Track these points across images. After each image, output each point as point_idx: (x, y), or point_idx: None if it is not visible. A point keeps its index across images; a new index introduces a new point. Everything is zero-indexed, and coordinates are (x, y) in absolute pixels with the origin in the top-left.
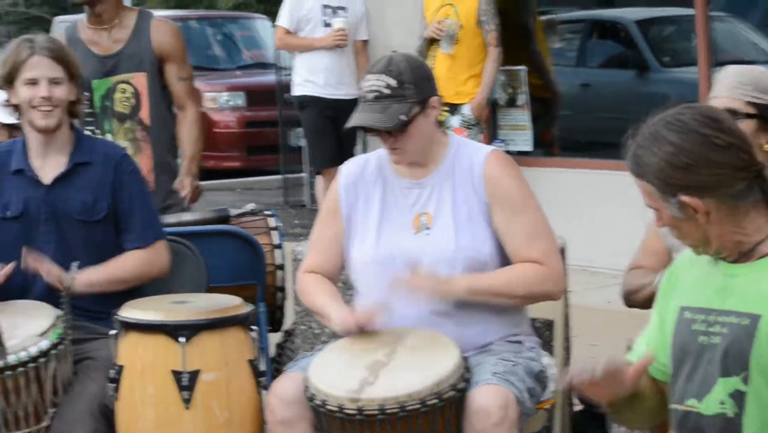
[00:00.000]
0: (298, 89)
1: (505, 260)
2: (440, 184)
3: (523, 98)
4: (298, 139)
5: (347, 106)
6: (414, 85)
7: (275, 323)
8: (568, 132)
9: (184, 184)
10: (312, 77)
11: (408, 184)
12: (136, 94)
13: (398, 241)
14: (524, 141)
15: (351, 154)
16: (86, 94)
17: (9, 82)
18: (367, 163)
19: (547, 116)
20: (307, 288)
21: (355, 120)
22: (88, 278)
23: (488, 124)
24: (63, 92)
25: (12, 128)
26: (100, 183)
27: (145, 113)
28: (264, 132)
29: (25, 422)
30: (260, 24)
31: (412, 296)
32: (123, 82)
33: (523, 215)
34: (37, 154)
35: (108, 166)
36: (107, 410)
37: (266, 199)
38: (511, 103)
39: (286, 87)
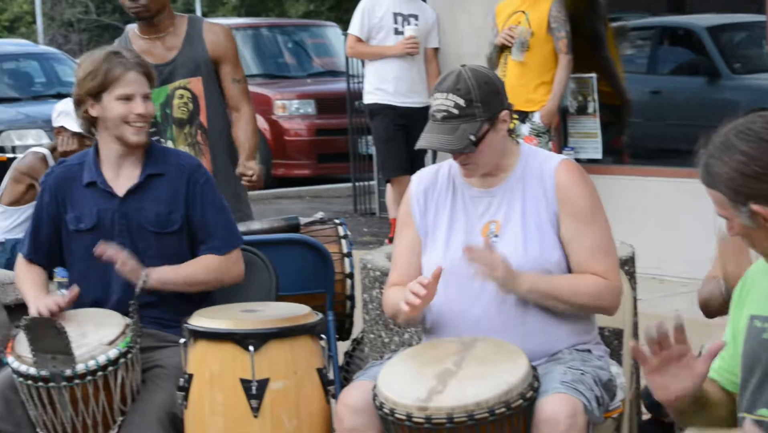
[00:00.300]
0: (368, 97)
1: (570, 270)
2: (510, 193)
3: (593, 106)
4: (368, 147)
5: (418, 114)
6: (482, 102)
7: (344, 332)
8: (638, 139)
9: (248, 167)
10: (382, 85)
11: (478, 193)
12: (194, 99)
13: None
14: (594, 149)
15: (421, 163)
16: None
17: (95, 95)
18: (439, 171)
19: (617, 124)
20: (387, 299)
21: (423, 141)
22: (162, 274)
23: (558, 132)
24: (152, 107)
25: (82, 137)
26: (173, 194)
27: (203, 117)
28: (334, 140)
29: (94, 430)
30: (331, 32)
31: (482, 299)
32: (180, 88)
33: (591, 228)
34: (110, 166)
35: (181, 177)
36: (176, 419)
37: (336, 208)
38: (582, 110)
39: (357, 95)
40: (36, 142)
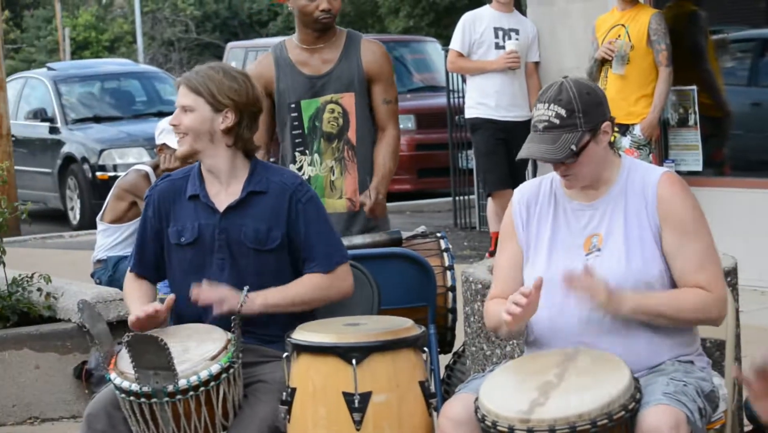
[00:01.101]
0: (469, 112)
1: (672, 283)
2: (612, 206)
3: (693, 118)
4: (468, 161)
5: (519, 128)
6: (584, 113)
7: (445, 345)
8: (739, 151)
9: (366, 199)
10: (484, 100)
11: (580, 207)
12: (345, 114)
13: (569, 262)
14: (695, 161)
15: (522, 177)
16: (294, 114)
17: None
18: (542, 185)
19: (717, 136)
20: (488, 311)
21: (525, 152)
22: (264, 297)
23: (659, 145)
24: (193, 120)
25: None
26: (274, 212)
27: (352, 133)
28: (434, 155)
29: None
30: (431, 47)
31: (584, 311)
32: (332, 102)
33: (694, 240)
34: (213, 181)
35: (283, 195)
36: None
37: (436, 222)
38: (682, 123)
39: (457, 110)
40: (137, 160)
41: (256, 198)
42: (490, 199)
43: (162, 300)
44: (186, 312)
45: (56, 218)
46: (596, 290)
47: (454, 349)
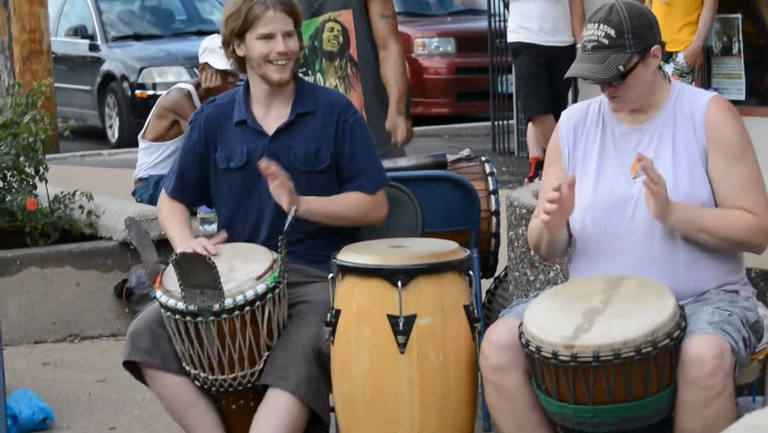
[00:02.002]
0: (512, 36)
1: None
2: (660, 130)
3: (737, 46)
4: (508, 86)
5: (561, 53)
6: (634, 35)
7: (488, 269)
8: None
9: (397, 126)
10: (526, 24)
11: (628, 130)
12: (344, 32)
13: (616, 185)
14: (738, 90)
15: (564, 102)
16: None
17: (239, 35)
18: (590, 108)
19: (761, 64)
20: (532, 230)
21: (573, 70)
22: (309, 204)
23: (702, 73)
24: (295, 44)
25: (226, 74)
26: (323, 132)
27: (353, 50)
28: (473, 78)
29: (240, 365)
30: None
31: (631, 237)
32: (330, 20)
33: (740, 164)
34: (260, 105)
35: (331, 115)
36: (321, 354)
37: (474, 146)
38: (726, 51)
39: (498, 34)
40: (177, 79)
41: (305, 119)
42: (530, 124)
43: (203, 220)
44: (233, 236)
45: (95, 136)
46: (660, 180)
47: (495, 274)
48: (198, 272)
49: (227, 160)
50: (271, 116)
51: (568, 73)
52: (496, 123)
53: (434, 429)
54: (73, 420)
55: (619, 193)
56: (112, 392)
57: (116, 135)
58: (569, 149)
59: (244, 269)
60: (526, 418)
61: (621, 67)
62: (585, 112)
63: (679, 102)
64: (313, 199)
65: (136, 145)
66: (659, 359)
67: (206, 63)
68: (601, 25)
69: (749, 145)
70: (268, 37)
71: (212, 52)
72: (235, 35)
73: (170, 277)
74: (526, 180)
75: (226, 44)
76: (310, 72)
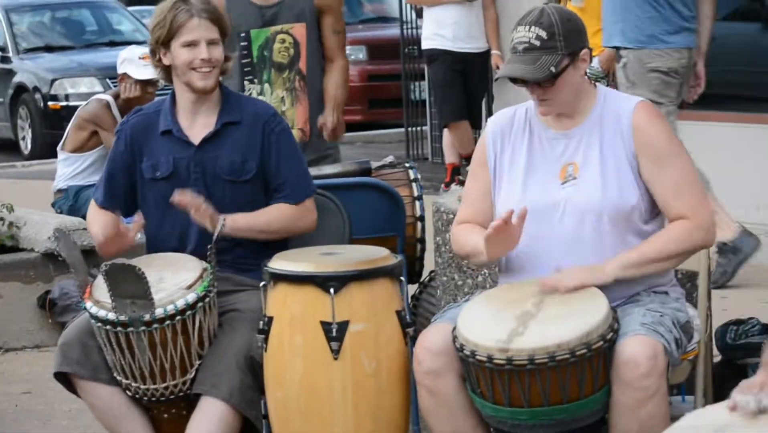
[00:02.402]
0: (426, 43)
1: (653, 211)
2: (588, 135)
3: None
4: (420, 92)
5: (476, 59)
6: (564, 37)
7: (414, 275)
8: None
9: (326, 120)
10: (441, 31)
11: (555, 135)
12: (296, 45)
13: (544, 191)
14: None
15: (478, 109)
16: (244, 44)
17: (164, 43)
18: (516, 114)
19: None
20: (459, 235)
21: (504, 71)
22: (234, 221)
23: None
24: (220, 53)
25: (145, 84)
26: (248, 143)
27: (303, 63)
28: (385, 86)
29: (171, 374)
30: None
31: (559, 243)
32: (282, 32)
33: (671, 167)
34: (185, 115)
35: (256, 125)
36: (253, 362)
37: (388, 153)
38: None
39: (409, 41)
40: (89, 90)
41: (231, 129)
42: (446, 130)
43: None
44: (161, 245)
45: (6, 148)
46: (577, 278)
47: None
48: (128, 283)
49: (153, 170)
50: (197, 126)
51: (500, 74)
52: (409, 129)
53: None
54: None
55: (547, 199)
56: (39, 404)
57: (29, 147)
58: (495, 155)
59: (174, 279)
60: (462, 422)
61: (553, 68)
62: (512, 118)
63: (606, 107)
64: (239, 217)
65: (49, 156)
66: (593, 361)
67: (125, 73)
68: (533, 27)
69: (679, 147)
70: (192, 44)
71: (131, 62)
72: (160, 44)
73: (100, 287)
74: (443, 186)
75: (153, 53)
76: (256, 81)
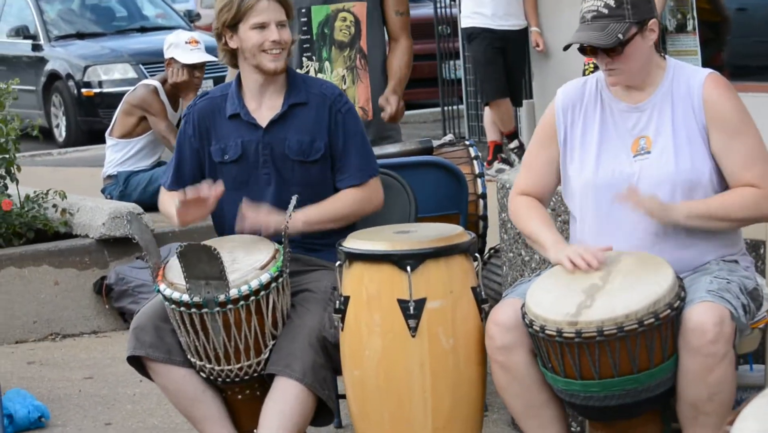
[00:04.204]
0: (466, 21)
1: (724, 182)
2: (659, 108)
3: (692, 23)
4: (456, 71)
5: (515, 36)
6: (632, 5)
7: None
8: (738, 56)
9: (389, 101)
10: (480, 9)
11: (627, 108)
12: (357, 23)
13: (617, 164)
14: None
15: (519, 86)
16: (303, 20)
17: (231, 26)
18: (587, 85)
19: (716, 41)
20: (519, 211)
21: (573, 38)
22: (305, 215)
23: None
24: (288, 35)
25: (192, 68)
26: (316, 123)
27: (364, 42)
28: (418, 66)
29: (246, 355)
30: None
31: (633, 215)
32: (343, 10)
33: (740, 138)
34: (252, 97)
35: (323, 105)
36: (326, 342)
37: (424, 132)
38: (680, 28)
39: (443, 20)
40: (122, 76)
41: (297, 110)
42: (487, 108)
43: None
44: (230, 228)
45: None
46: (646, 205)
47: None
48: (202, 264)
49: (222, 153)
50: (264, 108)
51: (570, 40)
52: (445, 108)
53: (447, 411)
54: (68, 418)
55: (621, 172)
56: (102, 389)
57: (63, 134)
58: (566, 127)
59: (247, 260)
60: (534, 397)
61: (620, 35)
62: (582, 90)
63: (675, 79)
64: (310, 211)
65: (84, 143)
66: (662, 330)
67: (172, 58)
68: None
69: (749, 119)
70: (262, 26)
71: (177, 46)
72: (227, 27)
73: (173, 269)
74: (485, 164)
75: (219, 37)
76: (315, 58)
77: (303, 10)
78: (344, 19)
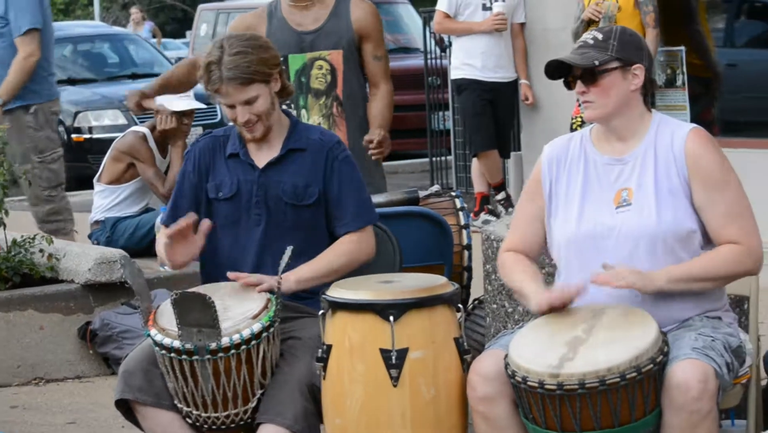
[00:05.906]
0: (455, 72)
1: (707, 236)
2: (642, 160)
3: (681, 78)
4: (444, 122)
5: (504, 88)
6: (619, 42)
7: (461, 303)
8: (727, 112)
9: (373, 133)
10: (470, 60)
11: (610, 161)
12: (333, 71)
13: (599, 216)
14: (682, 121)
15: (507, 138)
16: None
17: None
18: (571, 141)
19: (706, 96)
20: (505, 265)
21: (552, 61)
22: (299, 275)
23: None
24: (261, 105)
25: (182, 115)
26: (312, 168)
27: (340, 90)
28: (406, 116)
29: (233, 403)
30: (402, 9)
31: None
32: (320, 59)
33: (722, 193)
34: (253, 141)
35: (321, 152)
36: (314, 389)
37: (412, 183)
38: (670, 83)
39: (433, 71)
40: (112, 122)
41: (295, 155)
42: (475, 159)
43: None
44: (221, 264)
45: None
46: (626, 278)
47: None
48: (196, 312)
49: (216, 190)
50: (263, 151)
51: (550, 62)
52: (433, 159)
53: None
54: None
55: (602, 223)
56: None
57: None
58: (551, 181)
59: (239, 308)
60: None
61: (596, 62)
62: (567, 145)
63: (660, 132)
64: (301, 270)
65: (74, 189)
66: (644, 384)
67: (161, 105)
68: (594, 32)
69: (731, 174)
70: (230, 106)
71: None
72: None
73: (165, 315)
74: (472, 215)
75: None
76: (293, 107)
77: (281, 59)
78: (320, 68)
